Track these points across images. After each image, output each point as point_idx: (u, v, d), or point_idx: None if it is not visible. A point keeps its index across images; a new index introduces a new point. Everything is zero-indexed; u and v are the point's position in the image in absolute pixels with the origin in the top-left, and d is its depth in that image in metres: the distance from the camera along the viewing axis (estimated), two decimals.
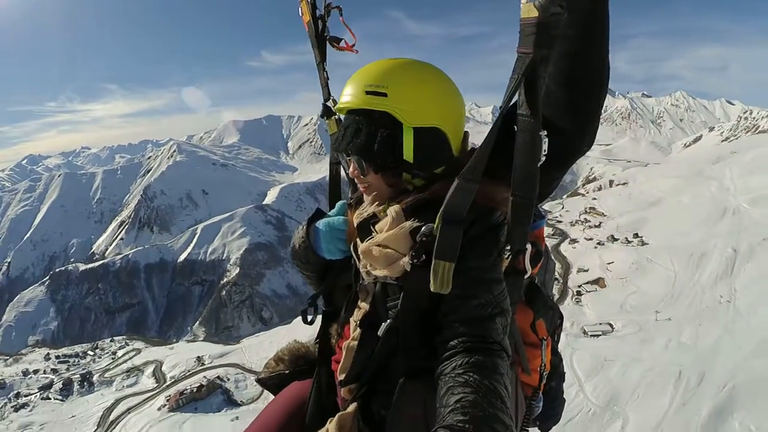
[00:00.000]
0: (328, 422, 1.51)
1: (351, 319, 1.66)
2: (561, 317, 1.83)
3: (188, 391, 60.74)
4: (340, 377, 1.61)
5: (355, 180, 1.67)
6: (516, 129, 1.41)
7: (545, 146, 1.39)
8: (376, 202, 1.61)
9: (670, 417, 34.70)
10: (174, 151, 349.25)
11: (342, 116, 1.66)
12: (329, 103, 2.15)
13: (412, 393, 1.39)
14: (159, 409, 59.38)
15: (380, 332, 1.48)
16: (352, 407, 1.52)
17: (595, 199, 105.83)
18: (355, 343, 1.57)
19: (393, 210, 1.49)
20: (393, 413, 1.40)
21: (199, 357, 76.18)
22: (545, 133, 1.38)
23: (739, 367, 37.72)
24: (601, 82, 1.48)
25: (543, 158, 1.40)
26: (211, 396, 60.50)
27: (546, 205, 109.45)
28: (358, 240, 1.60)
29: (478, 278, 1.36)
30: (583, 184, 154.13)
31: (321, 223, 1.76)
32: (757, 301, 48.01)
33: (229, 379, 64.48)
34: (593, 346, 46.83)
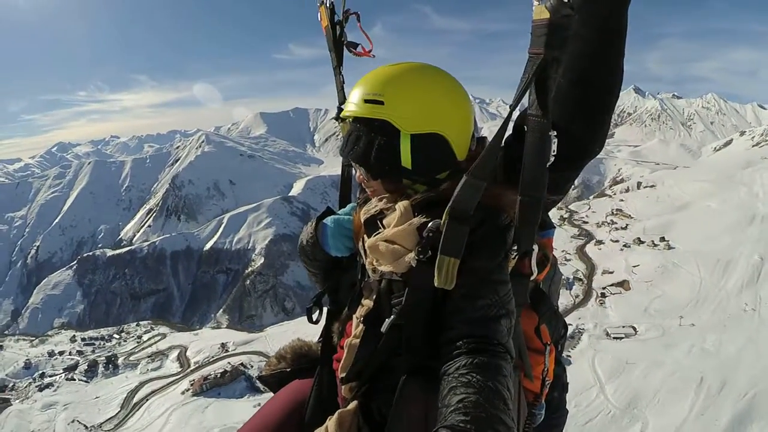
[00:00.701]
0: (327, 419, 1.52)
1: (354, 316, 1.67)
2: (565, 327, 1.86)
3: (212, 376, 61.33)
4: (341, 375, 1.60)
5: (362, 184, 1.73)
6: (526, 129, 1.44)
7: (555, 147, 1.40)
8: (384, 200, 1.63)
9: (690, 423, 34.85)
10: (202, 142, 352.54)
11: None
12: (344, 106, 2.14)
13: (413, 392, 1.38)
14: (183, 393, 60.16)
15: (383, 328, 1.48)
16: (352, 405, 1.53)
17: (622, 200, 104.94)
18: (357, 340, 1.57)
19: (401, 206, 1.51)
20: (393, 412, 1.39)
21: (223, 343, 76.76)
22: (555, 133, 1.39)
23: (760, 376, 37.60)
24: (613, 85, 1.51)
25: (552, 159, 1.41)
26: (234, 382, 61.07)
27: (572, 206, 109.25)
28: (365, 236, 1.61)
29: (484, 279, 1.36)
30: (610, 186, 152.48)
31: (329, 220, 1.80)
32: None
33: (252, 366, 64.73)
34: (615, 349, 46.94)
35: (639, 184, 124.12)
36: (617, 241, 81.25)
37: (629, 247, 77.96)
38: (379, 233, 1.52)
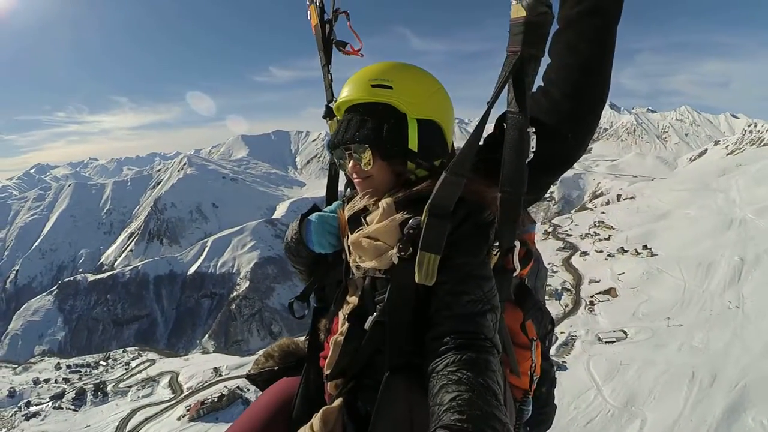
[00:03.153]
0: (313, 417, 1.52)
1: (339, 313, 1.66)
2: (552, 322, 1.85)
3: (209, 401, 60.76)
4: (327, 372, 1.61)
5: (354, 175, 1.66)
6: (505, 126, 1.46)
7: (533, 143, 1.42)
8: (368, 196, 1.63)
9: (686, 415, 36.28)
10: (184, 164, 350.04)
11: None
12: (332, 105, 2.11)
13: (397, 389, 1.38)
14: (179, 418, 59.38)
15: (367, 326, 1.49)
16: (337, 402, 1.53)
17: (603, 213, 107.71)
18: (342, 337, 1.57)
19: (384, 202, 1.51)
20: (377, 409, 1.38)
21: (216, 368, 76.46)
22: (533, 130, 1.41)
23: (749, 367, 39.44)
24: (604, 96, 1.55)
25: (531, 155, 1.42)
26: (231, 406, 60.49)
27: (555, 220, 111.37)
28: (349, 233, 1.61)
29: (469, 275, 1.35)
30: (591, 199, 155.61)
31: (313, 216, 1.79)
32: (766, 307, 49.81)
33: (248, 390, 63.20)
34: (609, 352, 48.44)
35: (619, 197, 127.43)
36: (601, 251, 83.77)
37: (613, 256, 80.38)
38: (361, 229, 1.53)
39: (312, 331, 1.91)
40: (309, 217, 1.79)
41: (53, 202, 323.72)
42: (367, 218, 1.54)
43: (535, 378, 1.69)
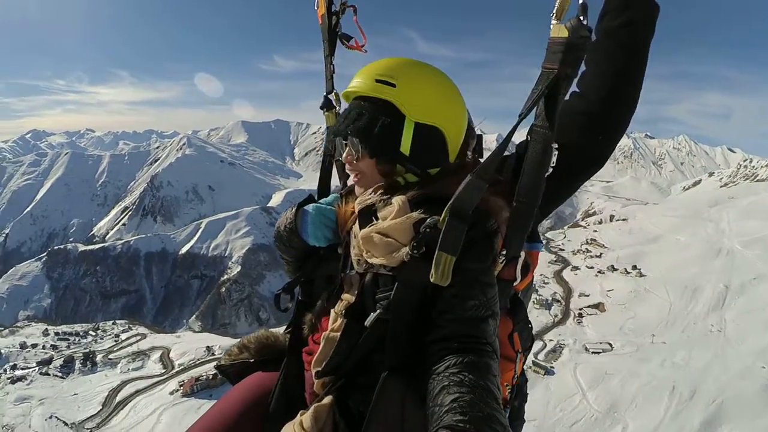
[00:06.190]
0: (299, 414, 1.47)
1: (332, 311, 1.58)
2: (532, 340, 1.85)
3: (204, 377, 61.01)
4: (316, 369, 1.54)
5: (348, 165, 1.66)
6: (529, 139, 1.46)
7: (554, 159, 1.43)
8: (380, 191, 1.58)
9: (665, 424, 38.79)
10: (184, 144, 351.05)
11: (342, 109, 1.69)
12: (331, 96, 2.19)
13: (393, 390, 1.33)
14: (171, 393, 59.71)
15: (368, 323, 1.42)
16: (327, 399, 1.48)
17: (596, 231, 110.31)
18: (337, 334, 1.50)
19: (399, 200, 1.47)
20: (371, 410, 1.33)
21: (208, 347, 76.59)
22: (556, 146, 1.42)
23: (727, 385, 41.88)
24: (635, 101, 1.62)
25: (551, 170, 1.44)
26: (225, 384, 57.02)
27: (548, 234, 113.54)
28: (355, 226, 1.55)
29: (475, 280, 1.33)
30: (583, 218, 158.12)
31: (310, 207, 1.73)
32: (746, 332, 52.47)
33: None
34: (595, 361, 51.01)
35: (612, 217, 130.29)
36: (592, 267, 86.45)
37: (603, 273, 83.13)
38: (373, 224, 1.47)
39: (295, 325, 1.86)
40: (305, 208, 1.75)
41: (48, 169, 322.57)
42: (379, 214, 1.50)
43: (514, 390, 1.72)
